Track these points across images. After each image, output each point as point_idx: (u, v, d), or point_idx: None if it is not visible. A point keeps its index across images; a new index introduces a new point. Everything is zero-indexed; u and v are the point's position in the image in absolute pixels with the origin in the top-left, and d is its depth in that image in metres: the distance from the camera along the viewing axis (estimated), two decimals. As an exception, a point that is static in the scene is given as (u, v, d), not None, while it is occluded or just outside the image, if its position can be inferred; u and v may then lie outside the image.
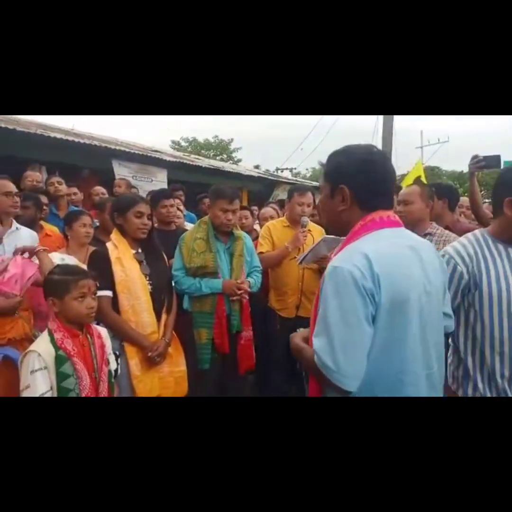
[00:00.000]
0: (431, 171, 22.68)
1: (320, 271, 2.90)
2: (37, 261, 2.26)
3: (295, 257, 2.85)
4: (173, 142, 25.49)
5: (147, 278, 2.19)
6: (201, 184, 6.83)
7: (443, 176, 26.07)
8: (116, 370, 1.93)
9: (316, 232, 3.00)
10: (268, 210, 4.07)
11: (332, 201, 1.19)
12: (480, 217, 2.94)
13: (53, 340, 1.62)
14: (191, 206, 4.73)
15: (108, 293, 2.10)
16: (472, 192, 2.83)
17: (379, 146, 9.98)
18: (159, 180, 6.64)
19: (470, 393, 1.54)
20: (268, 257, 2.94)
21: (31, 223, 2.85)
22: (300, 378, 1.46)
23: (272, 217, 3.72)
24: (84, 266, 2.40)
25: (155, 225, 2.63)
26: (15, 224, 2.58)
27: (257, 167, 20.14)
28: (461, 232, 2.59)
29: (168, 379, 2.23)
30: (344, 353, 1.02)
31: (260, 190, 9.67)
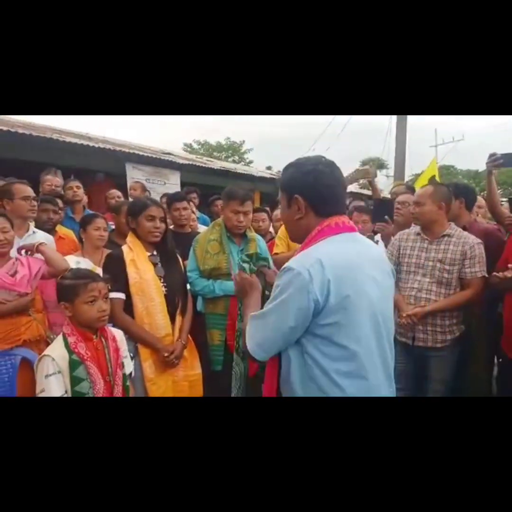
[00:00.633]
0: (446, 170, 22.41)
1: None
2: (40, 256, 2.28)
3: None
4: (185, 144, 25.66)
5: (162, 280, 2.20)
6: (213, 186, 6.84)
7: (458, 175, 25.71)
8: (131, 373, 1.92)
9: None
10: (278, 212, 4.05)
11: (289, 211, 1.28)
12: (497, 216, 2.89)
13: (67, 344, 1.63)
14: (203, 208, 4.74)
15: (121, 295, 2.11)
16: (489, 191, 2.78)
17: (393, 145, 9.92)
18: (172, 183, 6.68)
19: None
20: (282, 259, 2.92)
21: (48, 227, 2.90)
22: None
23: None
24: (99, 269, 2.43)
25: (171, 227, 2.64)
26: (32, 228, 2.62)
27: (269, 168, 20.11)
28: (478, 232, 2.55)
29: (183, 383, 2.22)
30: (263, 333, 1.20)
31: (272, 191, 9.64)
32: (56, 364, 1.58)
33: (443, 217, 2.43)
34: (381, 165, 20.67)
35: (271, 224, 3.99)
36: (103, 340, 1.73)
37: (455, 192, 2.64)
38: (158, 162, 6.56)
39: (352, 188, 3.74)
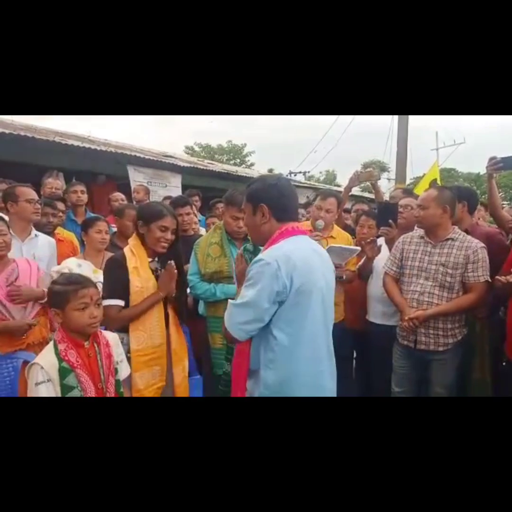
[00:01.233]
0: (447, 173, 22.40)
1: (336, 279, 2.87)
2: (40, 266, 2.26)
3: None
4: (186, 147, 25.72)
5: None
6: (214, 188, 6.86)
7: (459, 178, 25.70)
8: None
9: (340, 238, 2.97)
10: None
11: (254, 217, 1.55)
12: (499, 219, 2.89)
13: (57, 351, 1.59)
14: (205, 211, 4.75)
15: (119, 302, 2.06)
16: (490, 194, 2.79)
17: (394, 148, 9.91)
18: (174, 185, 6.69)
19: None
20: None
21: (47, 230, 2.90)
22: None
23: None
24: (101, 271, 2.43)
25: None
26: (33, 231, 2.62)
27: (270, 170, 20.14)
28: (481, 235, 2.55)
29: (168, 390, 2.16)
30: (245, 316, 1.43)
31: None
32: (45, 373, 1.54)
33: (447, 220, 2.43)
34: (382, 168, 20.69)
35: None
36: (95, 345, 1.68)
37: (457, 195, 2.64)
38: (160, 165, 6.58)
39: (353, 191, 3.72)
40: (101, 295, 2.05)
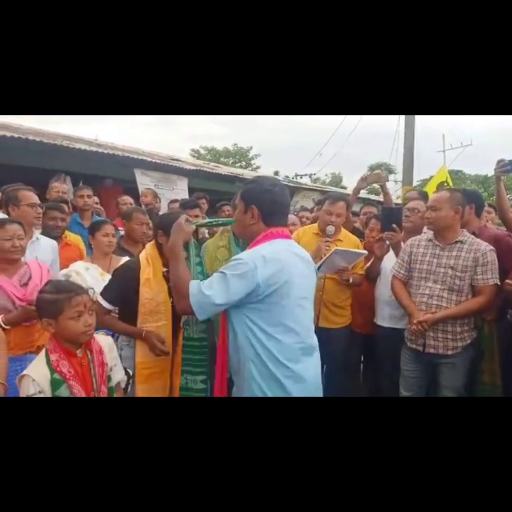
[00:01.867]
0: (454, 175, 22.28)
1: (342, 282, 2.87)
2: (51, 266, 2.26)
3: (317, 267, 2.84)
4: (192, 150, 25.82)
5: (172, 300, 2.08)
6: (221, 191, 6.87)
7: (467, 180, 25.56)
8: (119, 383, 1.83)
9: (348, 241, 2.95)
10: (291, 217, 4.04)
11: (244, 217, 1.61)
12: (508, 222, 2.86)
13: (49, 362, 1.54)
14: (211, 214, 4.76)
15: (109, 307, 2.09)
16: (498, 196, 2.76)
17: (401, 150, 9.89)
18: (180, 188, 6.72)
19: None
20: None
21: (55, 234, 2.92)
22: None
23: (294, 225, 3.69)
24: (108, 275, 2.44)
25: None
26: (35, 235, 2.62)
27: (276, 173, 20.16)
28: (489, 238, 2.52)
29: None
30: (209, 301, 1.48)
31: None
32: (36, 384, 1.50)
33: (457, 222, 2.41)
34: (389, 170, 20.63)
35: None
36: (88, 353, 1.63)
37: (465, 198, 2.63)
38: (166, 168, 6.60)
39: (360, 193, 3.70)
40: (100, 293, 2.07)
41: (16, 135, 4.86)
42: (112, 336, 2.12)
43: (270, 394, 1.50)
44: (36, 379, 1.51)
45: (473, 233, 2.53)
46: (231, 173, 8.75)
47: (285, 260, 1.54)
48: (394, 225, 2.72)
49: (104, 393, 1.65)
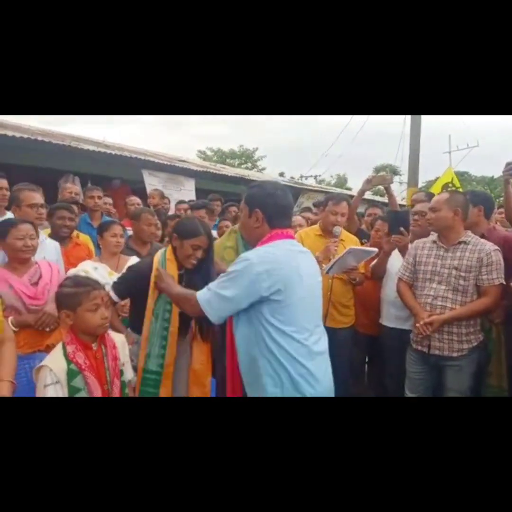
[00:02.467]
0: (461, 176, 22.15)
1: (350, 281, 2.88)
2: (59, 266, 2.30)
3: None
4: (199, 151, 25.89)
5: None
6: (227, 192, 6.89)
7: (473, 181, 25.41)
8: (130, 381, 1.89)
9: (349, 241, 2.97)
10: (297, 219, 4.06)
11: (249, 220, 1.66)
12: (515, 224, 2.86)
13: (66, 353, 1.62)
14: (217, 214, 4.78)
15: (115, 298, 2.15)
16: (507, 199, 2.76)
17: (406, 151, 9.86)
18: (187, 189, 6.75)
19: None
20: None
21: (64, 234, 2.95)
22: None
23: (301, 226, 3.71)
24: (117, 274, 2.47)
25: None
26: (41, 235, 2.65)
27: (281, 174, 20.16)
28: (497, 239, 2.52)
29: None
30: (222, 305, 1.55)
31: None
32: (54, 375, 1.58)
33: (459, 223, 2.42)
34: (394, 171, 20.57)
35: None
36: (103, 347, 1.71)
37: (474, 200, 2.63)
38: (174, 169, 6.64)
39: (365, 194, 3.71)
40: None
41: (25, 136, 4.92)
42: None
43: (281, 391, 1.51)
44: (53, 369, 1.58)
45: (482, 235, 2.53)
46: (238, 174, 8.77)
47: (289, 260, 1.57)
48: (401, 229, 2.72)
49: (116, 385, 1.72)
